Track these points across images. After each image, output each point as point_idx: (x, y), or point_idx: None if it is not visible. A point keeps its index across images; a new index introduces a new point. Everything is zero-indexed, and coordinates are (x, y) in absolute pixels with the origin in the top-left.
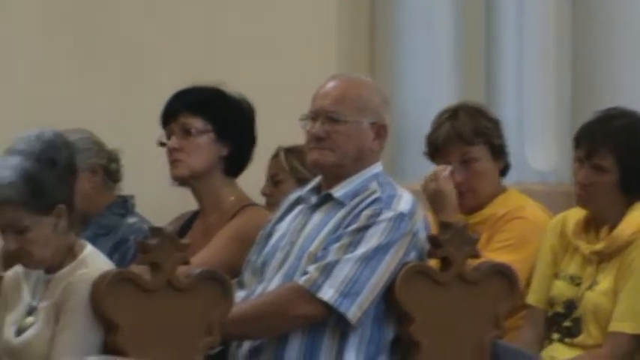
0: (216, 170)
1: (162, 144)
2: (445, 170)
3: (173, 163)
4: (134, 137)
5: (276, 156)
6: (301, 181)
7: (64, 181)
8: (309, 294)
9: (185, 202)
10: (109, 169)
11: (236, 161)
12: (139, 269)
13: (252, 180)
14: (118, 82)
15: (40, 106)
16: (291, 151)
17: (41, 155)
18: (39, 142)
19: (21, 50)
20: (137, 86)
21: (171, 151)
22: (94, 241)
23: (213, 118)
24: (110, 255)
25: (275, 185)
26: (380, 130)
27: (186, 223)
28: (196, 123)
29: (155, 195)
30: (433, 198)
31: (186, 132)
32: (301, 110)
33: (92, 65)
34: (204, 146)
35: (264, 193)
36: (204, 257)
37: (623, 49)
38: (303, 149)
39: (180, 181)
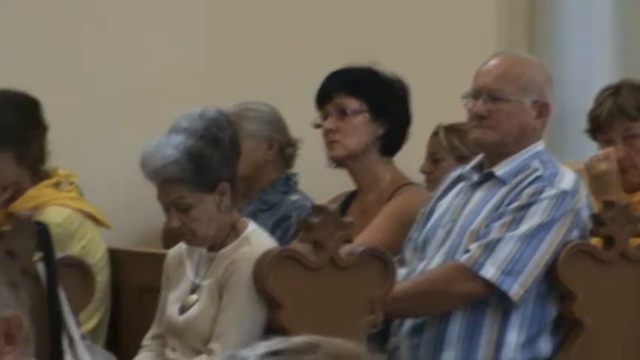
0: (372, 150)
1: (317, 126)
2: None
3: (330, 144)
4: (291, 119)
5: (435, 134)
6: (461, 159)
7: (227, 159)
8: (471, 272)
9: (341, 182)
10: (285, 151)
11: (392, 141)
12: (302, 247)
13: (413, 158)
14: (278, 62)
15: (209, 85)
16: (451, 129)
17: (205, 133)
18: (202, 120)
19: (194, 30)
20: (297, 65)
21: (328, 133)
22: (256, 216)
23: (367, 98)
24: (272, 231)
25: (434, 163)
26: (542, 109)
27: (344, 204)
28: (352, 103)
29: (311, 176)
30: (601, 178)
31: (342, 112)
32: (461, 88)
33: (257, 46)
34: (360, 126)
35: (423, 171)
36: (364, 238)
37: None
38: (463, 127)
39: (338, 161)
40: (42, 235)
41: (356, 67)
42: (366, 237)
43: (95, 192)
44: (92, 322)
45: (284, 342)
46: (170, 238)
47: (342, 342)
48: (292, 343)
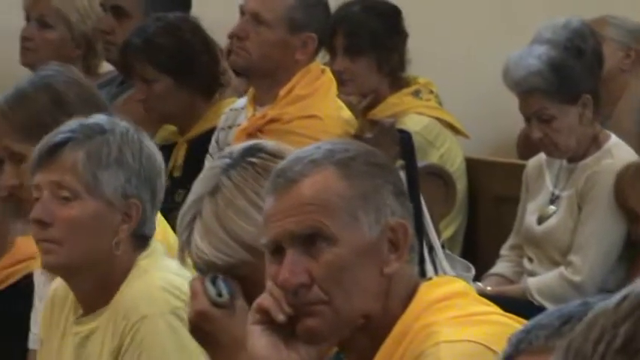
0: None
1: None
2: None
3: None
4: None
5: None
6: None
7: (590, 71)
8: None
9: None
10: None
11: None
12: None
13: None
14: None
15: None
16: None
17: (568, 44)
18: (566, 31)
19: None
20: None
21: None
22: None
23: None
24: None
25: None
26: None
27: None
28: None
29: None
30: None
31: None
32: None
33: None
34: None
35: None
36: None
37: None
38: None
39: None
40: (404, 143)
41: None
42: None
43: (452, 101)
44: (449, 231)
45: None
46: (525, 148)
47: None
48: None
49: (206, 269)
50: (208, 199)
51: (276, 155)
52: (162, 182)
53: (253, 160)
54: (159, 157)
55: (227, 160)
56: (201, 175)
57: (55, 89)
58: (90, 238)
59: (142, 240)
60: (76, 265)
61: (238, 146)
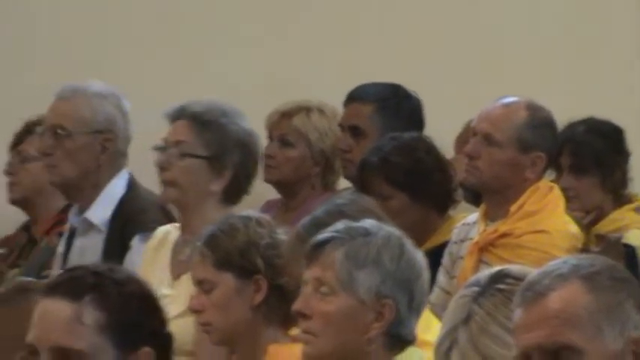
0: None
1: None
2: None
3: None
4: None
5: None
6: None
7: None
8: None
9: None
10: None
11: None
12: None
13: None
14: None
15: None
16: None
17: None
18: None
19: None
20: None
21: None
22: None
23: None
24: None
25: None
26: None
27: None
28: None
29: None
30: None
31: None
32: None
33: None
34: None
35: None
36: None
37: None
38: None
39: None
40: (629, 257)
41: None
42: None
43: None
44: None
45: None
46: None
47: None
48: None
49: None
50: (462, 328)
51: (522, 279)
52: (423, 287)
53: (501, 286)
54: (421, 262)
55: (475, 289)
56: (452, 305)
57: (346, 216)
58: (342, 332)
59: (397, 341)
60: (329, 356)
61: (484, 273)
